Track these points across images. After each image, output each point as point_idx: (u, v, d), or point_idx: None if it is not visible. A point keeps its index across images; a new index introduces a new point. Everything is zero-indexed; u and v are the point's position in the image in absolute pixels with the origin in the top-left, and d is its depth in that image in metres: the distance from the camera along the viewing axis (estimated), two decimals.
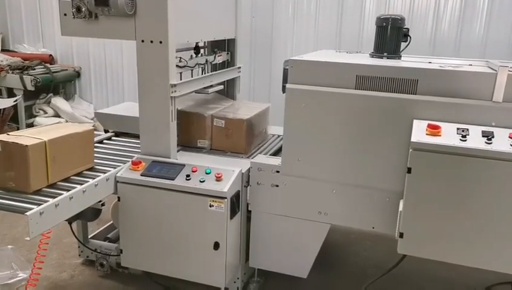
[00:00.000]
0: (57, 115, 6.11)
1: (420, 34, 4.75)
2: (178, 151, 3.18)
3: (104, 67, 6.37)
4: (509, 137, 2.31)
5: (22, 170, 2.50)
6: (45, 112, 6.09)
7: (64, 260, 3.60)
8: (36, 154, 2.52)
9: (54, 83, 6.15)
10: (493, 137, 2.32)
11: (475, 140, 2.32)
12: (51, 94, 6.20)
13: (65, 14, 3.03)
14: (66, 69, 6.36)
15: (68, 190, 2.59)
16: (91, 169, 2.95)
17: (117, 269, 3.38)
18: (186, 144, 3.38)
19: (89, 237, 3.53)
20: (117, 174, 2.94)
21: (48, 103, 6.18)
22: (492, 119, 2.44)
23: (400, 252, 2.55)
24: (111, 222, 3.58)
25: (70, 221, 2.97)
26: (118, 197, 2.98)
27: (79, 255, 3.56)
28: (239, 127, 3.25)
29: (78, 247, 3.54)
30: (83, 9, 2.90)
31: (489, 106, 2.44)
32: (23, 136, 2.60)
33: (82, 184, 2.69)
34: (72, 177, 2.80)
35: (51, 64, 6.31)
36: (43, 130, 2.80)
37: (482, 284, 3.21)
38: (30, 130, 2.85)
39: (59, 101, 6.16)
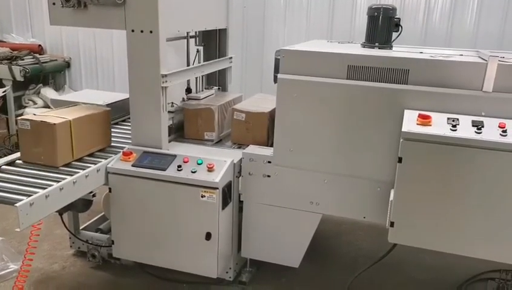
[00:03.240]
0: (46, 106, 6.04)
1: (411, 25, 4.75)
2: (170, 142, 3.17)
3: (94, 58, 6.31)
4: (499, 127, 2.32)
5: (50, 147, 2.74)
6: (35, 103, 6.02)
7: (55, 251, 3.59)
8: (62, 132, 2.76)
9: (44, 74, 6.07)
10: (483, 127, 2.33)
11: (465, 130, 2.34)
12: (41, 85, 6.12)
13: (54, 3, 2.99)
14: (56, 60, 6.29)
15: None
16: (104, 150, 3.11)
17: (108, 260, 3.38)
18: (192, 136, 3.39)
19: (80, 228, 3.51)
20: (108, 165, 2.92)
21: (38, 93, 6.10)
22: (482, 109, 2.45)
23: (391, 241, 2.58)
24: (103, 213, 3.58)
25: (61, 212, 2.96)
26: (110, 188, 2.96)
27: (70, 246, 3.54)
28: (261, 120, 3.21)
29: (70, 238, 3.52)
30: None
31: (479, 96, 2.46)
32: (50, 116, 2.83)
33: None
34: (96, 153, 3.05)
35: (40, 54, 6.22)
36: (65, 111, 3.00)
37: (472, 273, 3.25)
38: (54, 111, 3.07)
39: (48, 92, 6.09)
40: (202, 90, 3.74)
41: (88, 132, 2.96)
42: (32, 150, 2.78)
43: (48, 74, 6.23)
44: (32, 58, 5.98)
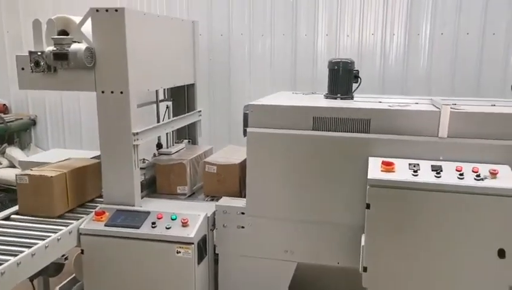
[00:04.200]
0: (12, 166, 5.93)
1: (370, 72, 5.01)
2: (142, 198, 3.19)
3: (61, 114, 6.28)
4: (456, 170, 2.48)
5: (48, 198, 2.98)
6: (0, 163, 5.90)
7: None
8: (58, 184, 3.01)
9: (9, 133, 6.00)
10: (442, 171, 2.49)
11: (426, 174, 2.48)
12: (6, 144, 6.03)
13: (23, 68, 3.04)
14: (22, 118, 6.23)
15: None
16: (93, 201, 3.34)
17: None
18: (165, 191, 3.44)
19: None
20: (80, 226, 2.90)
21: (3, 153, 6.00)
22: (440, 153, 2.61)
23: (365, 286, 2.63)
24: (73, 274, 3.50)
25: (32, 278, 2.88)
26: (82, 250, 2.93)
27: None
28: (232, 171, 3.29)
29: None
30: (42, 63, 2.93)
31: (436, 142, 2.63)
32: (46, 170, 3.09)
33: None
34: (87, 204, 3.27)
35: (4, 113, 6.17)
36: (59, 165, 3.27)
37: None
38: (48, 165, 3.29)
39: (13, 151, 5.99)
40: (173, 145, 3.80)
41: (82, 182, 3.22)
42: (30, 203, 3.01)
43: (13, 132, 6.16)
44: None
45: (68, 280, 3.61)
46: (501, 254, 2.38)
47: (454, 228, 2.43)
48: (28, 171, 3.06)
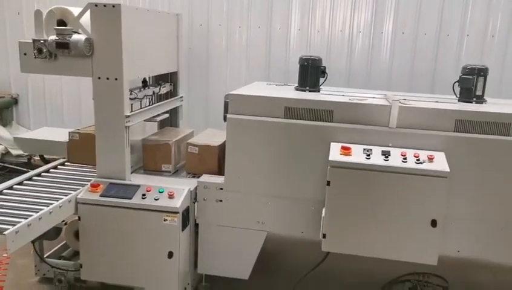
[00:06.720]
0: None
1: (337, 65, 5.48)
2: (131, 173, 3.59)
3: (43, 94, 6.51)
4: (401, 155, 3.00)
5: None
6: None
7: (20, 280, 3.82)
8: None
9: None
10: (389, 155, 3.00)
11: (376, 158, 2.99)
12: None
13: (25, 54, 3.35)
14: (3, 97, 6.44)
15: None
16: None
17: (74, 283, 3.67)
18: (150, 168, 3.82)
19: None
20: (78, 196, 3.28)
21: None
22: (389, 141, 3.12)
23: (324, 250, 3.14)
24: (63, 242, 3.88)
25: (34, 241, 3.26)
26: (79, 217, 3.31)
27: (35, 274, 3.79)
28: (212, 152, 3.68)
29: (35, 266, 3.77)
30: (44, 50, 3.25)
31: (386, 131, 3.13)
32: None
33: None
34: None
35: None
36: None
37: (392, 276, 3.87)
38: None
39: None
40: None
41: None
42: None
43: None
44: None
45: (58, 247, 3.99)
46: (433, 223, 2.93)
47: (398, 202, 2.95)
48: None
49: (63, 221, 3.17)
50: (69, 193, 3.28)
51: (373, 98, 3.45)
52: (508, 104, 3.54)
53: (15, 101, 6.57)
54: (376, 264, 3.46)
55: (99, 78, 3.32)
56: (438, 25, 5.25)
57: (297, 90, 3.71)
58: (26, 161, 6.08)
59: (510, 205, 3.08)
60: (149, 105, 3.89)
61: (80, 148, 3.79)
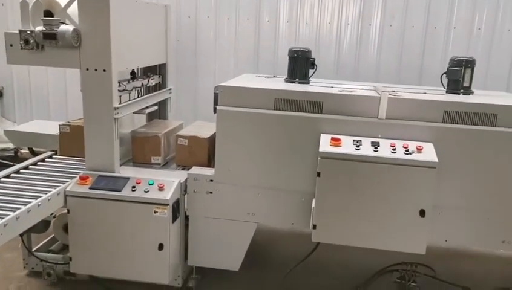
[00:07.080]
0: None
1: (326, 57, 5.50)
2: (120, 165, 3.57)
3: (28, 86, 6.42)
4: (390, 146, 3.02)
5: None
6: None
7: (8, 273, 3.78)
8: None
9: None
10: (379, 146, 3.02)
11: (366, 149, 3.01)
12: None
13: (11, 45, 3.29)
14: None
15: None
16: None
17: (63, 277, 3.65)
18: (139, 161, 3.80)
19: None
20: (67, 189, 3.25)
21: None
22: (378, 132, 3.15)
23: (314, 241, 3.17)
24: (52, 236, 3.85)
25: (22, 234, 3.23)
26: (68, 210, 3.28)
27: (24, 267, 3.76)
28: (202, 144, 3.67)
29: (23, 260, 3.74)
30: (31, 41, 3.20)
31: (376, 122, 3.15)
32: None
33: None
34: None
35: None
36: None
37: (381, 266, 3.93)
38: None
39: None
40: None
41: None
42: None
43: None
44: None
45: (46, 240, 3.95)
46: (422, 213, 2.97)
47: (387, 193, 2.98)
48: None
49: (52, 214, 3.14)
50: (58, 186, 3.25)
51: (362, 89, 3.47)
52: (494, 96, 3.59)
53: (0, 94, 6.48)
54: (365, 254, 3.51)
55: (87, 69, 3.28)
56: (425, 18, 5.29)
57: (287, 82, 3.71)
58: (12, 154, 5.99)
59: (496, 195, 3.13)
60: (137, 97, 3.86)
61: (72, 141, 3.76)
